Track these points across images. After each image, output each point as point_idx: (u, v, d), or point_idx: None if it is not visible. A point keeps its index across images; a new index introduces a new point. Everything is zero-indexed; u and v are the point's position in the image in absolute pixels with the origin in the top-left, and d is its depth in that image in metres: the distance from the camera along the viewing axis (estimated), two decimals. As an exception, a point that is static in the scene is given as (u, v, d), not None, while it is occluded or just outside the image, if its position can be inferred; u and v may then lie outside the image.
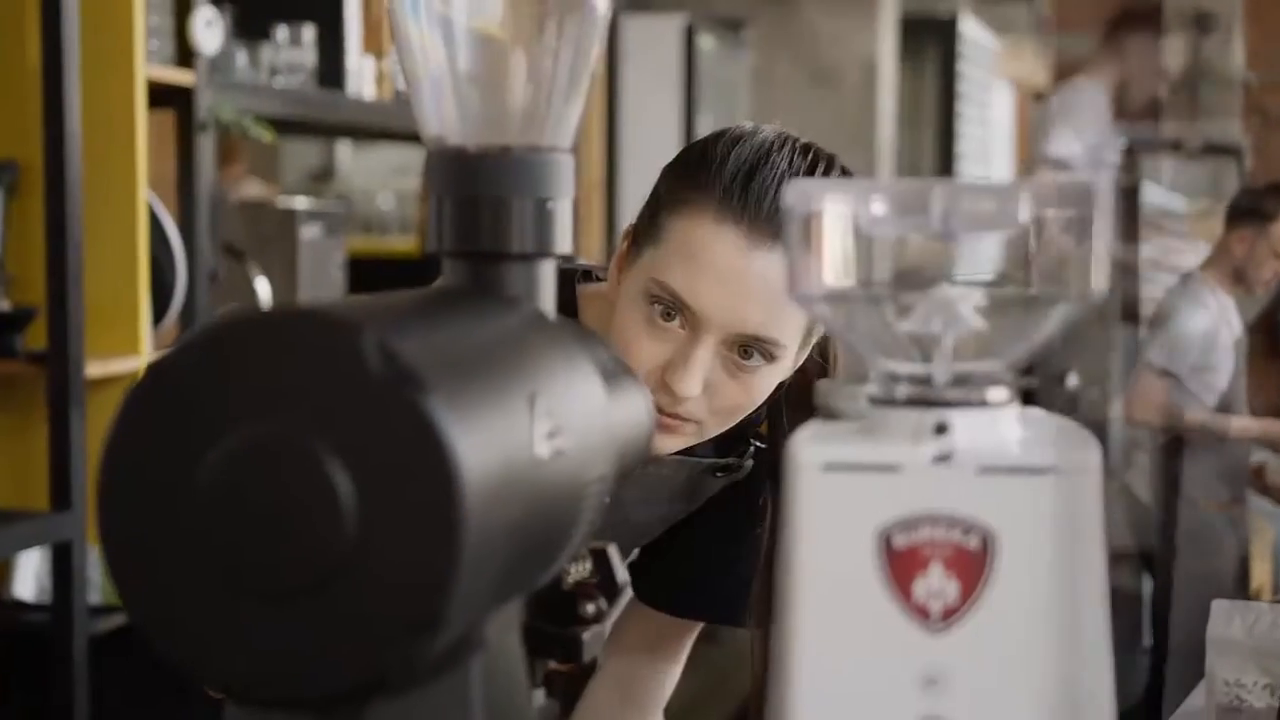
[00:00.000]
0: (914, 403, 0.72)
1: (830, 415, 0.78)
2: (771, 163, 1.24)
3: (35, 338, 2.45)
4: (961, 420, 0.71)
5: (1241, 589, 3.96)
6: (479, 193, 0.83)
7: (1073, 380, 4.82)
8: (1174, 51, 9.56)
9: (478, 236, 0.83)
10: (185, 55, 2.71)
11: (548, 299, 0.84)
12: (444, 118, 0.85)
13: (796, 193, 0.71)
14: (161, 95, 2.67)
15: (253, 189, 4.25)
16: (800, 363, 1.30)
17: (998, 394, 0.72)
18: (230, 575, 0.63)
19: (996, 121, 8.76)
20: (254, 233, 3.05)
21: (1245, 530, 4.13)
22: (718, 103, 4.77)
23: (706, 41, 5.02)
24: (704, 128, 5.76)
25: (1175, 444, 4.10)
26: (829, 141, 1.35)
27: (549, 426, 0.72)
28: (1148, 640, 4.21)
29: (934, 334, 0.73)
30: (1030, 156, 4.06)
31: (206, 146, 2.72)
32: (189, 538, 0.65)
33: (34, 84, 2.45)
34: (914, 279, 0.74)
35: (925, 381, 0.73)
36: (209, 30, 2.69)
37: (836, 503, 0.70)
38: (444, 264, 0.85)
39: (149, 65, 2.59)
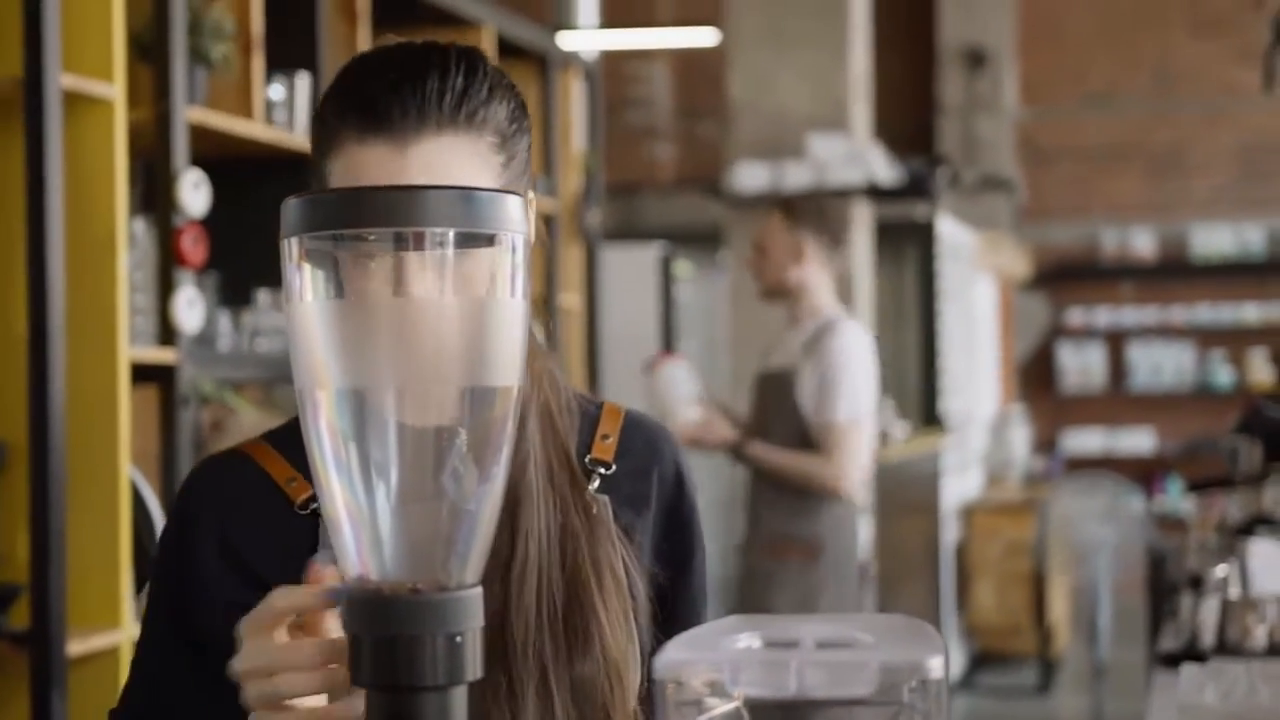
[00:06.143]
0: None
1: None
2: (390, 61, 1.24)
3: (18, 616, 2.52)
4: None
5: None
6: (393, 632, 0.91)
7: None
8: (949, 86, 9.76)
9: (394, 672, 0.91)
10: (168, 333, 2.82)
11: (460, 725, 0.92)
12: (362, 559, 0.94)
13: (664, 663, 0.79)
14: (144, 372, 2.78)
15: (252, 418, 4.32)
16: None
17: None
18: None
19: (979, 315, 8.92)
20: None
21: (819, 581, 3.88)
22: (697, 323, 4.89)
23: (683, 268, 5.16)
24: (684, 350, 5.90)
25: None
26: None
27: None
28: None
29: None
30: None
31: (188, 420, 2.82)
32: None
33: (20, 365, 2.55)
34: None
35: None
36: (190, 309, 2.81)
37: None
38: (366, 696, 0.93)
39: (132, 346, 2.70)
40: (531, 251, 1.32)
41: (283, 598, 1.02)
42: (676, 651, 0.81)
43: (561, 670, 1.22)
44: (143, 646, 1.30)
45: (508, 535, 1.24)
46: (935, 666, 0.78)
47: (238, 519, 1.27)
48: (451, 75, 1.22)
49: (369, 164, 1.20)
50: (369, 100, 1.21)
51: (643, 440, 1.36)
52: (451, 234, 0.92)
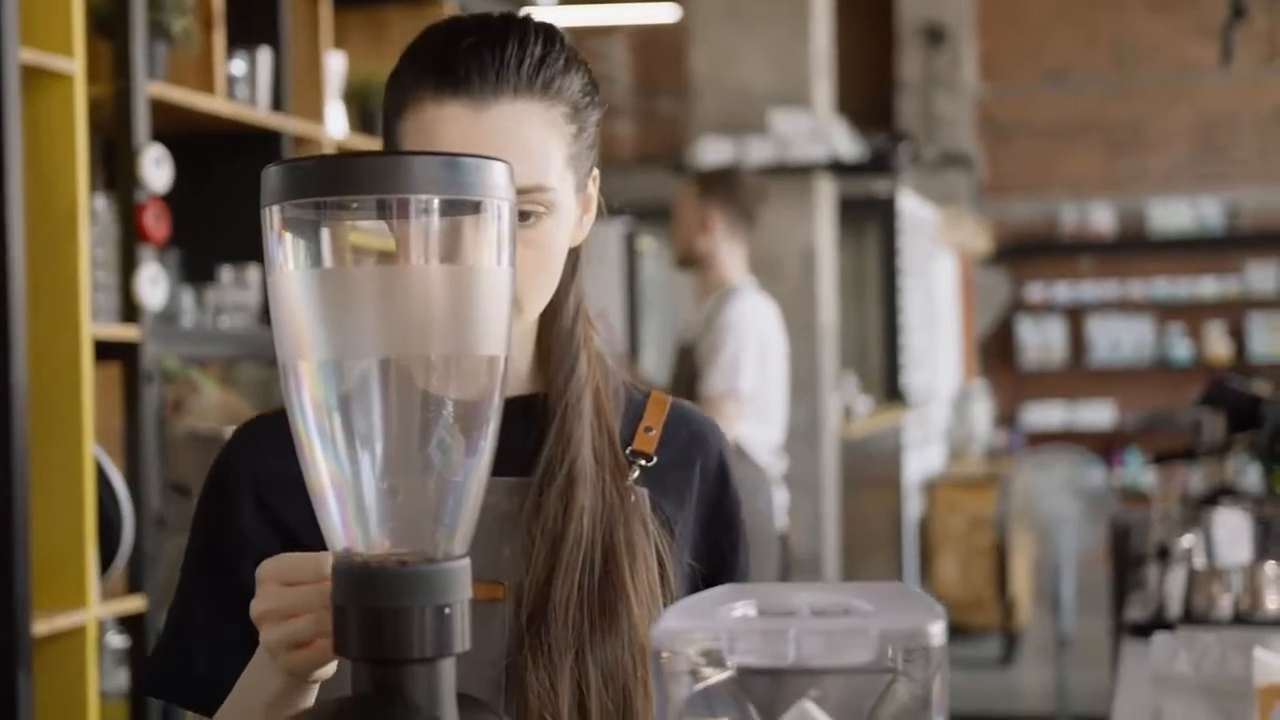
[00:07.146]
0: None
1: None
2: (471, 28, 1.25)
3: (-18, 597, 2.49)
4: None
5: None
6: (381, 604, 0.90)
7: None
8: (909, 62, 9.78)
9: (380, 645, 0.90)
10: (131, 310, 2.79)
11: (447, 698, 0.91)
12: (348, 531, 0.92)
13: (660, 633, 0.78)
14: (107, 349, 2.74)
15: (213, 398, 4.29)
16: (590, 209, 1.31)
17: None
18: None
19: (940, 289, 8.94)
20: (203, 465, 3.10)
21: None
22: (660, 298, 4.89)
23: (646, 244, 5.15)
24: (648, 326, 5.90)
25: None
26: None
27: None
28: None
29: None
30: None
31: (152, 397, 2.79)
32: None
33: (-18, 344, 2.51)
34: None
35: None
36: (153, 286, 2.77)
37: None
38: (351, 668, 0.92)
39: (95, 323, 2.67)
40: (592, 228, 1.32)
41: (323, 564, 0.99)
42: (673, 620, 0.80)
43: (595, 646, 1.22)
44: (181, 606, 1.29)
45: (561, 510, 1.24)
46: (935, 633, 0.77)
47: (275, 479, 1.26)
48: (530, 43, 1.23)
49: (444, 124, 1.20)
50: (449, 62, 1.21)
51: (687, 433, 1.36)
52: (436, 201, 0.91)
